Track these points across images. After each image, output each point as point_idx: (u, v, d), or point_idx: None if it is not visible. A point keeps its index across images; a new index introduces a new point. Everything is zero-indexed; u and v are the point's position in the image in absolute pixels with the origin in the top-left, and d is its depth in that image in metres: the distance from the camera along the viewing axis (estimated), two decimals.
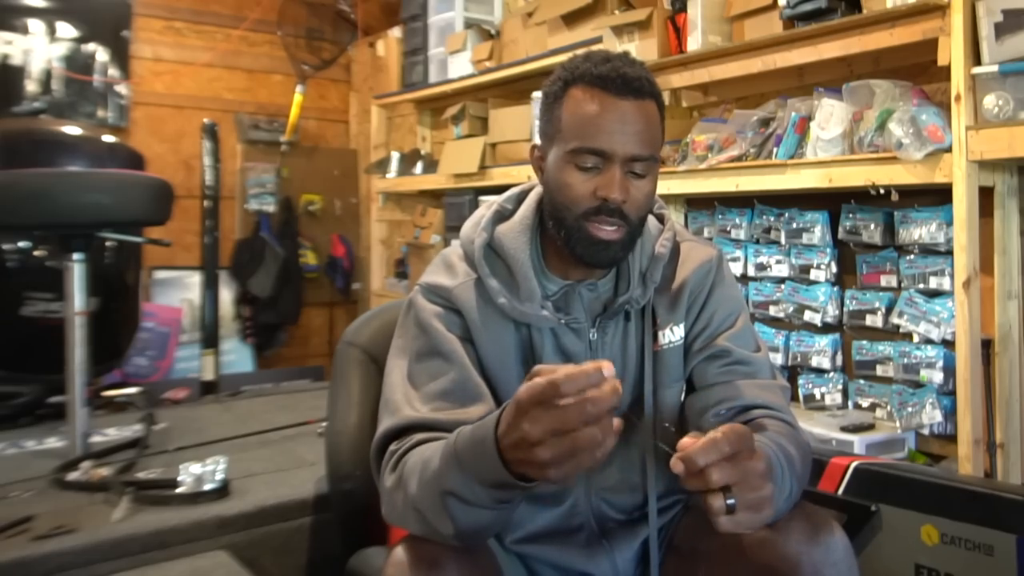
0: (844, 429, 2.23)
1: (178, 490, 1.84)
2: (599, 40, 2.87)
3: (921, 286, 2.25)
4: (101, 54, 4.12)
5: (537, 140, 1.18)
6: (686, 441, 0.84)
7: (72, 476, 2.01)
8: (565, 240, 1.11)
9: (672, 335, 1.18)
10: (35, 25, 3.94)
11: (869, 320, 2.36)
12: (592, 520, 1.16)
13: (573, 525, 1.16)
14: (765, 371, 1.19)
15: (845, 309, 2.44)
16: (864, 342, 2.39)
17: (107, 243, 2.89)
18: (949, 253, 2.12)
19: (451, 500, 0.92)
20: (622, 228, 1.08)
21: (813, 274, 2.50)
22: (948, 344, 2.16)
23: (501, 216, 1.20)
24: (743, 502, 0.83)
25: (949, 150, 1.96)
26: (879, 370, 2.34)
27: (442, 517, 0.94)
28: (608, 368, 0.80)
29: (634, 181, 1.08)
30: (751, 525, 0.86)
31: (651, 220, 1.21)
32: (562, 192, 1.09)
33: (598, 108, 1.06)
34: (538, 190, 1.20)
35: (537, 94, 3.09)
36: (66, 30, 4.01)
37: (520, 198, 1.23)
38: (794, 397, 2.56)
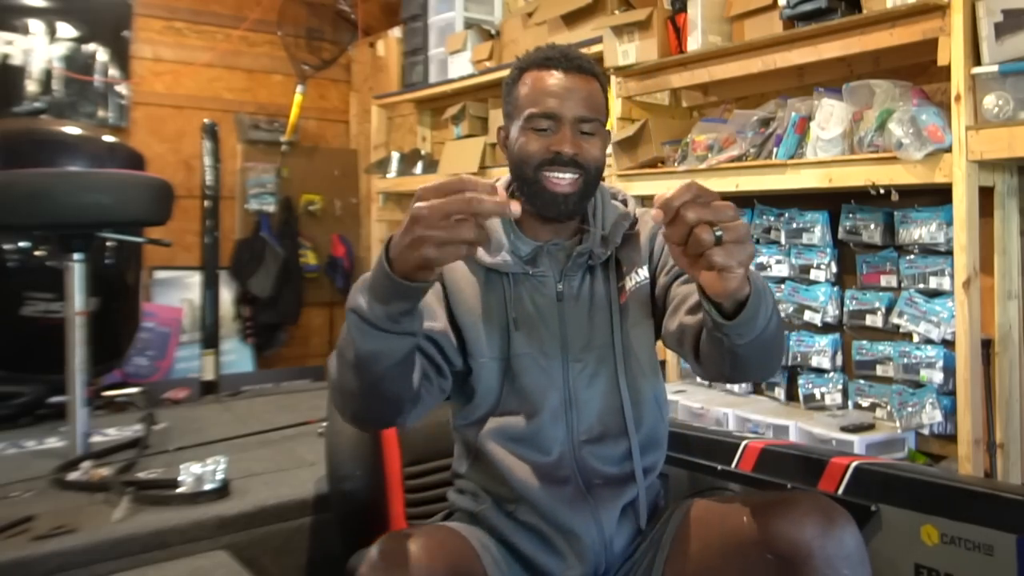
0: (844, 429, 2.23)
1: (178, 490, 1.85)
2: (599, 40, 2.86)
3: (921, 286, 2.25)
4: (101, 54, 4.12)
5: (501, 124, 1.32)
6: (659, 194, 0.93)
7: (72, 476, 2.01)
8: (527, 196, 1.24)
9: (637, 276, 1.29)
10: (35, 25, 3.93)
11: (869, 320, 2.36)
12: (578, 474, 1.23)
13: (560, 477, 1.22)
14: None
15: (845, 309, 2.44)
16: (864, 342, 2.39)
17: (107, 243, 2.89)
18: (949, 253, 2.12)
19: (353, 319, 1.01)
20: (578, 179, 1.22)
21: (813, 274, 2.50)
22: (948, 344, 2.16)
23: None
24: (726, 235, 0.91)
25: (949, 150, 1.96)
26: (879, 370, 2.34)
27: (348, 344, 1.03)
28: (502, 191, 0.98)
29: (584, 139, 1.23)
30: (740, 257, 0.92)
31: (615, 202, 1.34)
32: (522, 152, 1.24)
33: (547, 81, 1.24)
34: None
35: None
36: (66, 30, 4.00)
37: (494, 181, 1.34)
38: (794, 397, 2.56)
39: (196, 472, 1.86)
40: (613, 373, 1.25)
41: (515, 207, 0.92)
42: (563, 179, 1.21)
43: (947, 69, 1.97)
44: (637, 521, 1.25)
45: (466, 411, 1.27)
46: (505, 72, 3.71)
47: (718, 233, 0.91)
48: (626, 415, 1.25)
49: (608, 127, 1.31)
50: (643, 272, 1.30)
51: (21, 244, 2.80)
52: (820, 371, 2.51)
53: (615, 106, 2.85)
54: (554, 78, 1.23)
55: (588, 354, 1.25)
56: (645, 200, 2.59)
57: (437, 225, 0.90)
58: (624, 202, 1.36)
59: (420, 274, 0.95)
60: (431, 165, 3.97)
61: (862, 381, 2.40)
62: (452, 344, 1.22)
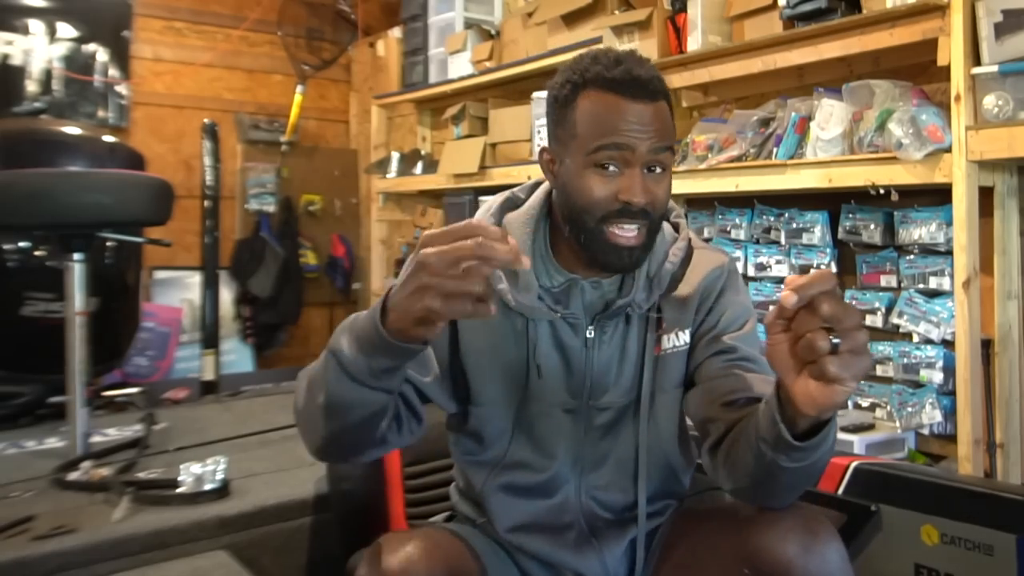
0: (844, 429, 2.23)
1: (178, 490, 1.84)
2: (599, 40, 2.86)
3: (921, 286, 2.25)
4: (101, 54, 4.12)
5: (545, 143, 1.17)
6: (793, 277, 0.83)
7: (72, 476, 2.01)
8: (585, 245, 1.10)
9: (676, 340, 1.18)
10: (35, 25, 3.93)
11: (869, 320, 2.36)
12: (582, 519, 1.17)
13: (563, 522, 1.17)
14: (770, 372, 1.18)
15: None
16: None
17: (107, 243, 2.89)
18: (949, 253, 2.12)
19: (332, 362, 0.94)
20: (643, 230, 1.08)
21: None
22: (948, 344, 2.16)
23: (513, 204, 1.22)
24: (847, 344, 0.80)
25: (949, 150, 1.96)
26: (879, 370, 2.34)
27: (321, 383, 0.97)
28: (513, 240, 0.83)
29: (653, 181, 1.08)
30: (856, 370, 0.81)
31: (666, 226, 1.20)
32: (582, 196, 1.08)
33: (615, 111, 1.06)
34: (545, 186, 1.21)
35: (537, 94, 3.09)
36: (66, 30, 4.00)
37: (532, 189, 1.24)
38: None
39: (196, 472, 1.86)
40: (633, 430, 1.17)
41: (526, 261, 0.83)
42: (629, 231, 1.07)
43: (947, 69, 1.97)
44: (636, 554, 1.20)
45: (468, 448, 1.21)
46: (505, 72, 3.73)
47: (835, 341, 0.80)
48: (639, 473, 1.17)
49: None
50: (684, 336, 1.17)
51: (21, 244, 2.80)
52: None
53: None
54: (623, 109, 1.06)
55: (611, 405, 1.17)
56: None
57: (445, 273, 0.81)
58: (676, 227, 1.23)
59: (418, 331, 0.87)
60: (431, 165, 3.97)
61: (862, 381, 2.40)
62: (444, 392, 1.15)
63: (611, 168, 1.06)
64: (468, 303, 0.82)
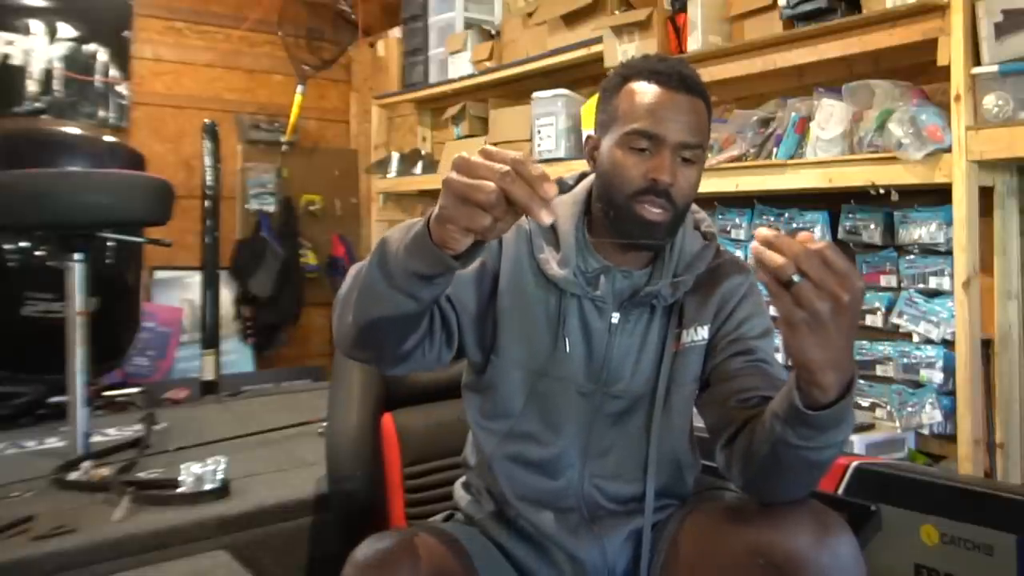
0: None
1: (178, 490, 1.85)
2: (599, 40, 2.86)
3: (921, 286, 2.25)
4: (101, 54, 4.11)
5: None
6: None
7: (72, 476, 2.01)
8: (614, 219, 1.17)
9: (695, 335, 1.21)
10: (35, 25, 3.93)
11: (869, 320, 2.36)
12: (583, 506, 1.20)
13: (565, 506, 1.20)
14: (785, 376, 1.19)
15: None
16: (864, 342, 2.39)
17: (107, 243, 2.89)
18: (949, 253, 2.12)
19: (378, 250, 0.97)
20: (667, 211, 1.14)
21: None
22: (948, 344, 2.16)
23: (561, 186, 1.26)
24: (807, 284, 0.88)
25: (949, 150, 1.96)
26: (879, 370, 2.34)
27: (363, 271, 1.00)
28: (553, 189, 0.84)
29: (682, 168, 1.14)
30: (820, 314, 0.87)
31: (696, 235, 1.26)
32: (615, 172, 1.15)
33: (654, 98, 1.14)
34: (593, 176, 1.26)
35: (537, 94, 3.10)
36: (66, 30, 4.00)
37: (580, 178, 1.30)
38: None
39: (196, 472, 1.86)
40: (645, 421, 1.20)
41: (546, 217, 0.82)
42: (656, 209, 1.13)
43: (947, 69, 1.97)
44: (640, 546, 1.21)
45: (480, 408, 1.24)
46: (505, 72, 3.73)
47: (796, 279, 0.88)
48: (648, 465, 1.20)
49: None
50: (703, 332, 1.22)
51: (21, 244, 2.80)
52: None
53: None
54: (661, 95, 1.14)
55: (624, 394, 1.20)
56: None
57: (487, 187, 0.82)
58: (706, 236, 1.27)
59: (448, 249, 0.89)
60: (431, 165, 3.97)
61: (862, 381, 2.40)
62: (474, 333, 1.19)
63: (644, 149, 1.13)
64: (479, 232, 0.85)
